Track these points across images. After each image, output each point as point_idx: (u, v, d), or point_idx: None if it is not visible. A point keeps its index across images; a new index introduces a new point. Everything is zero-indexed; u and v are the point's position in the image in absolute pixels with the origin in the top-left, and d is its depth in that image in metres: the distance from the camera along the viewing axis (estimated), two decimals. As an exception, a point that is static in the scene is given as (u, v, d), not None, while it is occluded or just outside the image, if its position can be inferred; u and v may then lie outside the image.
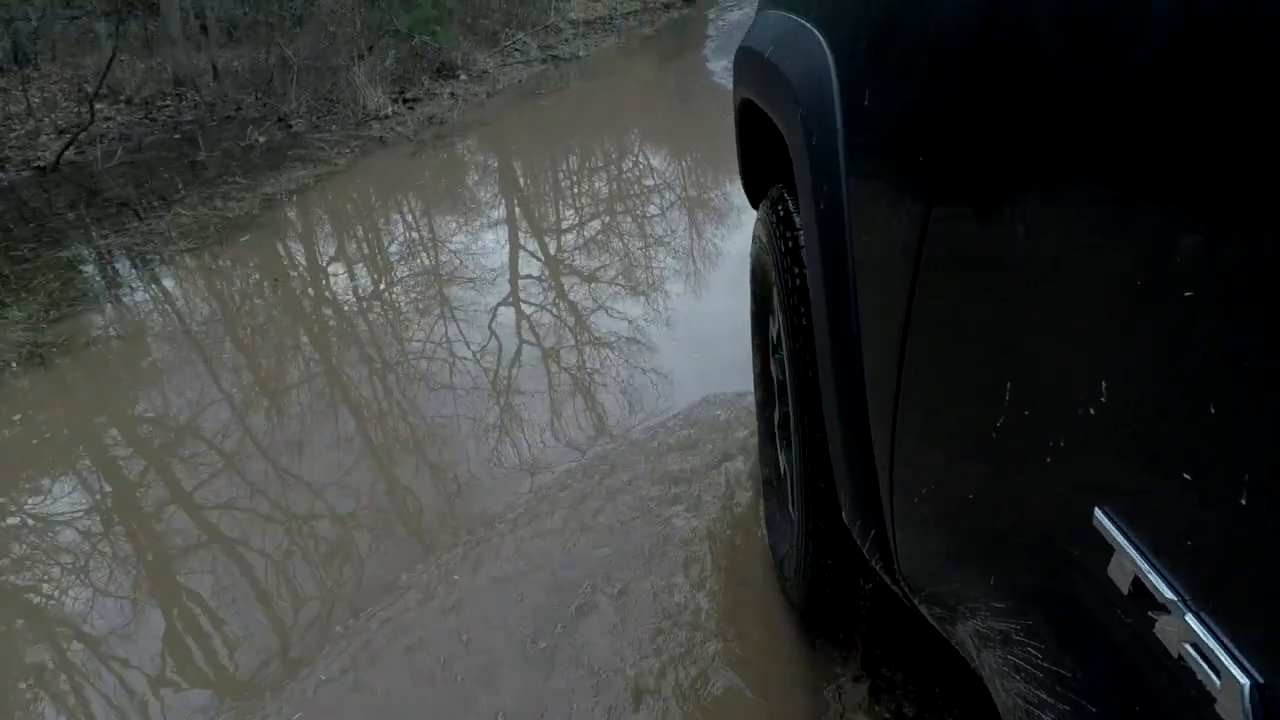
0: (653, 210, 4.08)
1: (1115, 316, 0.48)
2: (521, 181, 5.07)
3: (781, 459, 1.53)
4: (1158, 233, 0.43)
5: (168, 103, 7.82)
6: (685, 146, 5.23)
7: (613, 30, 10.50)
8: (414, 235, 4.27)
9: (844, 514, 1.05)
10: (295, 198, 4.78)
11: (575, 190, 4.70)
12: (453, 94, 7.26)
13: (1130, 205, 0.46)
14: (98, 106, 7.82)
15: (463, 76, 8.04)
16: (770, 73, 1.18)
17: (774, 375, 1.54)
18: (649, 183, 4.55)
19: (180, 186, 5.07)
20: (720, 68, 7.39)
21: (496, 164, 5.42)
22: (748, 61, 1.40)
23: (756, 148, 1.51)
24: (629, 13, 11.55)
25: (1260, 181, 0.37)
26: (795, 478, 1.28)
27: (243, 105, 7.33)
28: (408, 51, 8.08)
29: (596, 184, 4.83)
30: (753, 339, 1.67)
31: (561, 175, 5.05)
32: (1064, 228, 0.52)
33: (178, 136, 6.54)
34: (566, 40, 9.86)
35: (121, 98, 7.84)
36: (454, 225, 4.27)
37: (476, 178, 5.13)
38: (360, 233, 4.44)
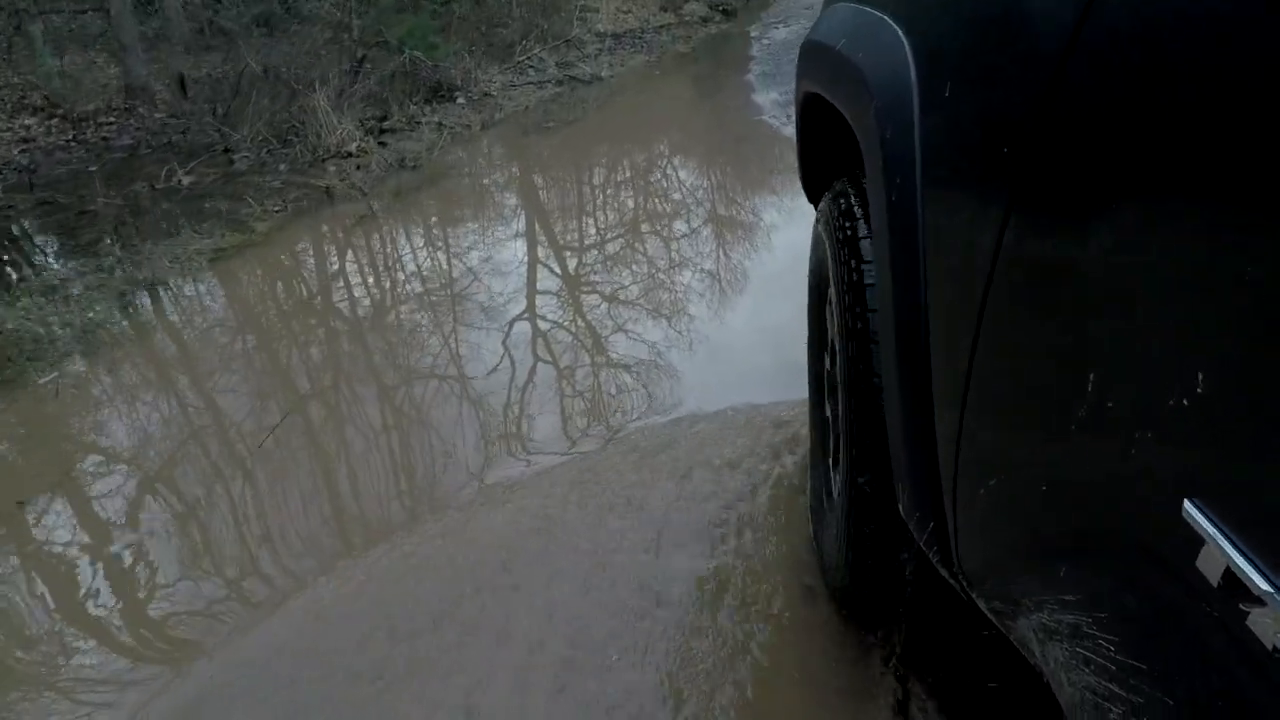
0: (699, 347, 2.53)
1: (1214, 306, 0.45)
2: (488, 287, 3.25)
3: (831, 447, 1.37)
4: (1257, 227, 0.42)
5: (111, 120, 6.40)
6: (735, 228, 3.68)
7: (643, 46, 8.95)
8: (292, 384, 2.73)
9: (901, 507, 0.99)
10: (166, 293, 3.27)
11: (574, 315, 3.10)
12: (441, 124, 5.75)
13: (1226, 204, 0.44)
14: (27, 123, 6.44)
15: (460, 100, 6.53)
16: (842, 65, 1.13)
17: (826, 366, 1.42)
18: (685, 284, 3.01)
19: (32, 257, 3.61)
20: (770, 101, 5.80)
21: (458, 250, 3.71)
22: (816, 55, 1.34)
23: (818, 144, 1.47)
24: (662, 26, 9.99)
25: None
26: (843, 473, 1.20)
27: (190, 129, 5.89)
28: (397, 67, 6.59)
29: (605, 298, 3.09)
30: (809, 331, 1.55)
31: (553, 281, 3.43)
32: (1157, 223, 0.50)
33: (94, 168, 5.09)
34: (589, 57, 8.33)
35: (59, 112, 6.44)
36: (362, 374, 2.74)
37: (427, 273, 3.47)
38: (208, 386, 2.63)
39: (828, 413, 1.41)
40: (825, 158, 1.47)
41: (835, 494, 1.27)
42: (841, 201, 1.20)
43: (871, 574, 1.20)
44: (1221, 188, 0.44)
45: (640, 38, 9.44)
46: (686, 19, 10.38)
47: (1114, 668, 0.55)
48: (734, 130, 5.27)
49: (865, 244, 1.10)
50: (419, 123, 5.79)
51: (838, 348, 1.17)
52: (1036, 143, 0.62)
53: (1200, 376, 0.44)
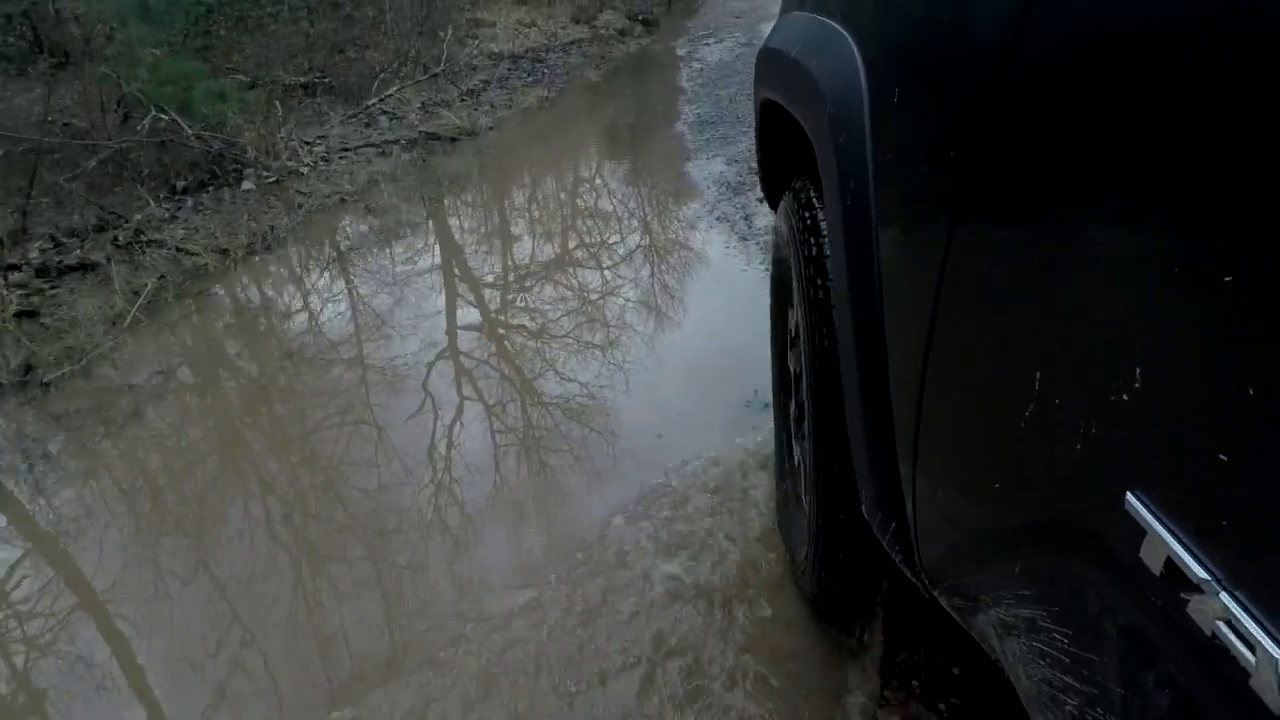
0: None
1: (1151, 301, 0.45)
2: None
3: (797, 449, 1.39)
4: (1193, 222, 0.41)
5: None
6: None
7: (543, 73, 6.61)
8: None
9: (864, 508, 0.98)
10: None
11: None
12: (179, 247, 3.35)
13: (1162, 201, 0.44)
14: None
15: (248, 184, 4.13)
16: (797, 72, 1.12)
17: (791, 368, 1.43)
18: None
19: None
20: (715, 178, 3.55)
21: None
22: (772, 63, 1.32)
23: (778, 148, 1.45)
24: (572, 42, 7.64)
25: None
26: (809, 477, 1.20)
27: None
28: (148, 135, 4.13)
29: None
30: (772, 333, 1.54)
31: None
32: (1095, 222, 0.50)
33: None
34: (469, 94, 5.98)
35: None
36: None
37: None
38: None
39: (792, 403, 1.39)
40: (785, 161, 1.43)
41: (803, 497, 1.25)
42: (802, 198, 1.18)
43: (842, 572, 1.19)
44: (1158, 184, 0.43)
45: (542, 60, 7.09)
46: (601, 32, 8.05)
47: (1068, 659, 0.55)
48: (665, 253, 2.99)
49: (825, 245, 1.09)
50: (143, 243, 3.37)
51: (802, 344, 1.16)
52: (981, 146, 0.62)
53: (1138, 371, 0.44)
